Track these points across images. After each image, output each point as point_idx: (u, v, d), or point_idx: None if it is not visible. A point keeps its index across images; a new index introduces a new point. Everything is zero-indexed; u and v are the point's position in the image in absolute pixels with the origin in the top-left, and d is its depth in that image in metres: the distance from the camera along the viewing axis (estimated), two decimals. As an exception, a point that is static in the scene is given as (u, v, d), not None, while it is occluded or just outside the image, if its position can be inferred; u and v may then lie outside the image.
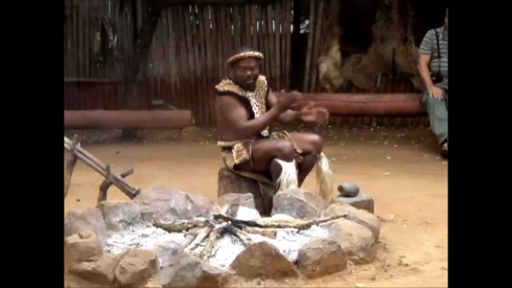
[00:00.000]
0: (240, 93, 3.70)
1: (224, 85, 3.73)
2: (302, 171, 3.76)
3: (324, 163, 3.75)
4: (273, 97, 3.86)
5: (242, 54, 3.66)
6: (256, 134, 3.68)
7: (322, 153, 3.78)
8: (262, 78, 3.83)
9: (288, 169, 3.52)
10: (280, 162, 3.52)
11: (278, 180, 3.51)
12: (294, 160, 3.57)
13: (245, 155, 3.63)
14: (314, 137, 3.81)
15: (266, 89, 3.83)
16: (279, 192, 3.42)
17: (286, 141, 3.63)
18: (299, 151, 3.68)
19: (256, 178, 3.70)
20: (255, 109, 3.73)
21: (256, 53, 3.71)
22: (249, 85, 3.71)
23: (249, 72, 3.66)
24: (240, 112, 3.65)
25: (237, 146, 3.67)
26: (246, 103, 3.70)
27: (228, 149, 3.72)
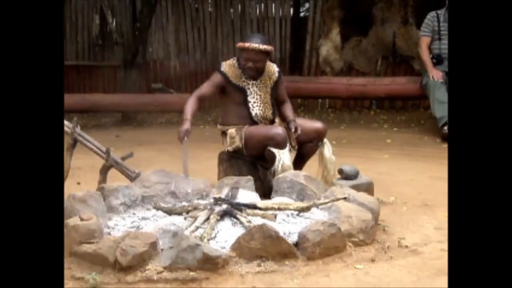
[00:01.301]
0: (235, 81, 3.60)
1: (227, 66, 3.65)
2: (303, 158, 3.76)
3: (327, 150, 3.72)
4: (282, 91, 3.77)
5: (247, 44, 3.53)
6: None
7: (325, 139, 3.74)
8: (274, 69, 3.73)
9: (282, 157, 3.50)
10: (274, 150, 3.50)
11: (272, 168, 3.50)
12: (288, 146, 3.56)
13: (237, 143, 3.60)
14: (317, 125, 3.74)
15: (275, 79, 3.70)
16: (279, 175, 3.42)
17: (279, 128, 3.57)
18: (293, 144, 3.65)
19: (254, 160, 3.70)
20: (254, 98, 3.62)
21: (262, 47, 3.53)
22: (250, 76, 3.61)
23: (250, 64, 3.55)
24: (205, 88, 3.62)
25: (231, 131, 3.64)
26: (241, 91, 3.62)
27: (225, 133, 3.71)
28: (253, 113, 3.63)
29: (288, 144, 3.56)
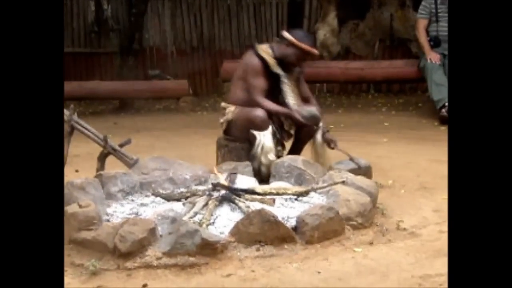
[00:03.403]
0: (273, 69, 3.63)
1: (264, 52, 3.64)
2: (299, 143, 3.77)
3: (319, 134, 3.72)
4: (305, 88, 3.82)
5: (315, 51, 3.70)
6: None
7: (321, 124, 3.73)
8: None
9: (263, 139, 3.49)
10: (255, 132, 3.50)
11: (253, 151, 3.50)
12: (270, 128, 3.55)
13: (227, 116, 3.64)
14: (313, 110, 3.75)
15: (298, 75, 3.76)
16: (271, 160, 3.41)
17: (259, 110, 3.53)
18: (292, 131, 3.69)
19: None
20: (285, 87, 3.65)
21: (318, 52, 3.82)
22: (288, 69, 3.67)
23: (301, 64, 3.70)
24: (262, 83, 3.57)
25: (229, 109, 3.67)
26: (275, 78, 3.63)
27: (225, 111, 3.72)
28: (290, 102, 3.63)
29: (271, 127, 3.56)
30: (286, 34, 3.67)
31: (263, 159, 3.45)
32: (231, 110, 3.66)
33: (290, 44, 3.62)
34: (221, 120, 3.71)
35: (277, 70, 3.63)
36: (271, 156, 3.47)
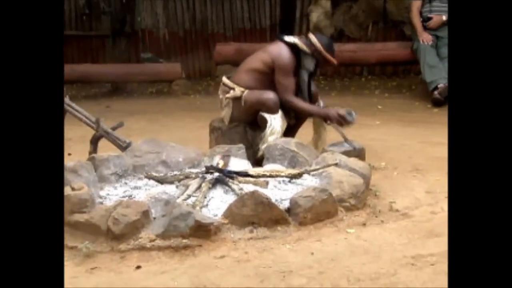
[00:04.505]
0: (305, 63, 3.66)
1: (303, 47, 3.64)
2: (297, 120, 3.78)
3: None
4: (314, 82, 3.87)
5: (336, 62, 3.77)
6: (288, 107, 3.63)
7: (320, 102, 3.77)
8: None
9: (273, 122, 3.50)
10: (265, 115, 3.50)
11: (263, 134, 3.51)
12: (280, 112, 3.55)
13: (237, 92, 3.60)
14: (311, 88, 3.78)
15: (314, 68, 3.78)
16: (270, 143, 3.42)
17: (271, 93, 3.55)
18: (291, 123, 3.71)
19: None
20: (302, 82, 3.69)
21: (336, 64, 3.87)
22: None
23: (321, 71, 3.80)
24: (293, 82, 3.60)
25: (239, 88, 3.63)
26: (295, 74, 3.65)
27: (229, 89, 3.66)
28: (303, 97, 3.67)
29: (280, 111, 3.56)
30: (314, 39, 3.66)
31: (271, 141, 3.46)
32: (240, 89, 3.61)
33: (316, 50, 3.63)
34: (227, 95, 3.63)
35: (310, 66, 3.66)
36: (272, 138, 3.47)
